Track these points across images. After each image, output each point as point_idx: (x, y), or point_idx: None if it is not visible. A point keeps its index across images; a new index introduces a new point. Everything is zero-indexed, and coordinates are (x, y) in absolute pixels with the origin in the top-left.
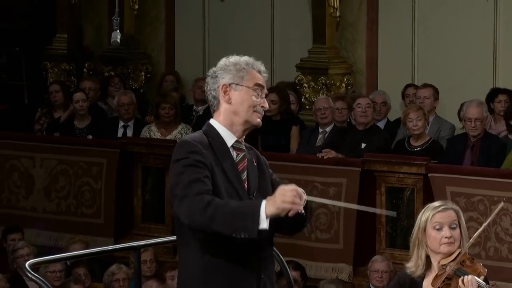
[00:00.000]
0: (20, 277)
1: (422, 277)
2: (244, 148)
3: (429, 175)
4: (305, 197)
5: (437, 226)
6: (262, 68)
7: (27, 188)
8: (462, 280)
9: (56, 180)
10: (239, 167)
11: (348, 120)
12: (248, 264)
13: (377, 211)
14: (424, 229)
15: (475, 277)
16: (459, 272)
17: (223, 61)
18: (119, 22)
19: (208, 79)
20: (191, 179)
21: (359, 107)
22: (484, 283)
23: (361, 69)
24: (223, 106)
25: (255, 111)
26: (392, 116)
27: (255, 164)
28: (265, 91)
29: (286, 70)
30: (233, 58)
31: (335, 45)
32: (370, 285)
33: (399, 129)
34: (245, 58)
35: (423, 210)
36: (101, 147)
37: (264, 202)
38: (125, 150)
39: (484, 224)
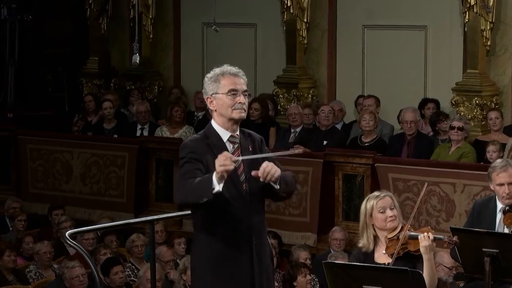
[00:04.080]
0: (61, 243)
1: (372, 251)
2: (238, 141)
3: (376, 165)
4: (239, 158)
5: (381, 210)
6: (234, 70)
7: (67, 175)
8: (420, 238)
9: (89, 169)
10: (235, 155)
11: (314, 123)
12: (241, 231)
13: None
14: (371, 214)
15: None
16: (412, 235)
17: (206, 77)
18: (138, 47)
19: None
20: (185, 171)
21: (322, 113)
22: (439, 236)
23: (323, 84)
24: (213, 112)
25: (234, 109)
26: (347, 119)
27: (250, 149)
28: (243, 87)
29: (266, 84)
30: (212, 72)
31: (303, 65)
32: (330, 249)
33: (352, 129)
34: (220, 69)
35: (365, 200)
36: (124, 144)
37: (215, 172)
38: (142, 146)
39: (417, 203)
